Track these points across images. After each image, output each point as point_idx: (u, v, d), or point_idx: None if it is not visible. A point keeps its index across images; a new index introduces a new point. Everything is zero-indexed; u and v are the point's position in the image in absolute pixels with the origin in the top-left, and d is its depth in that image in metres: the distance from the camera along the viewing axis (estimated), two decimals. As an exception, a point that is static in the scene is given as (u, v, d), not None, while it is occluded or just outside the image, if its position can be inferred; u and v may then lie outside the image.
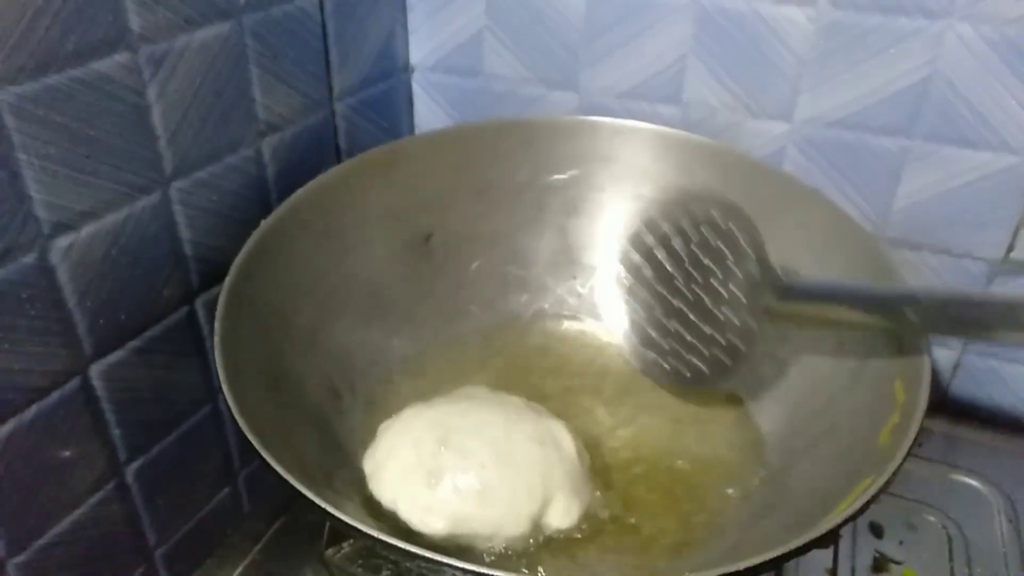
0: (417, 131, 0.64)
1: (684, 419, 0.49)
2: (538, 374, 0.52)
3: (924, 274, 0.54)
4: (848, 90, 0.51)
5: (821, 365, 0.46)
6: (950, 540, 0.49)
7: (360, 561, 0.45)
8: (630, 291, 0.50)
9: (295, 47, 0.49)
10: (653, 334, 0.49)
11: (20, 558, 0.39)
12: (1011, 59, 0.47)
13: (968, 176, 0.50)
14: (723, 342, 0.45)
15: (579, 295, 0.57)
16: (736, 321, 0.45)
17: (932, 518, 0.50)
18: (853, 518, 0.32)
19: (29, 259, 0.36)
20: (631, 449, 0.47)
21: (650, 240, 0.48)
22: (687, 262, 0.46)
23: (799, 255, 0.47)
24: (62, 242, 0.37)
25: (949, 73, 0.48)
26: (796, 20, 0.50)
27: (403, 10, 0.59)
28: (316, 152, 0.54)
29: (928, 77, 0.49)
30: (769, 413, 0.48)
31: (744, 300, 0.44)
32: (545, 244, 0.57)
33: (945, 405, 0.58)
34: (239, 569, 0.45)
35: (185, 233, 0.44)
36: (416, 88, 0.62)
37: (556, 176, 0.56)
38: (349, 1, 0.53)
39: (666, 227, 0.47)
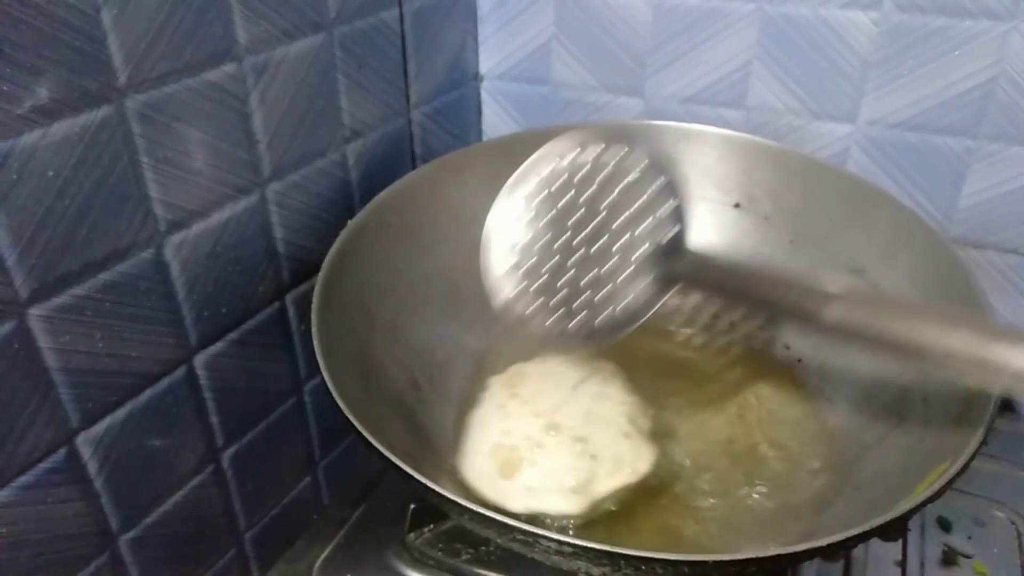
0: (485, 138, 0.66)
1: (749, 414, 0.50)
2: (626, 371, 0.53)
3: (989, 273, 0.54)
4: (912, 91, 0.52)
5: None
6: (1019, 535, 0.49)
7: (440, 545, 0.47)
8: (519, 237, 0.44)
9: (377, 57, 0.52)
10: (538, 282, 0.44)
11: (130, 534, 0.42)
12: (1077, 59, 0.47)
13: (1034, 175, 0.51)
14: (619, 298, 0.42)
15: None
16: (636, 277, 0.41)
17: (1000, 514, 0.50)
18: (928, 503, 0.32)
19: (147, 254, 0.39)
20: (701, 440, 0.48)
21: (557, 180, 0.43)
22: (592, 200, 0.42)
23: (865, 255, 0.49)
24: (176, 239, 0.40)
25: (1014, 74, 0.49)
26: (861, 23, 0.51)
27: (474, 22, 0.62)
28: (394, 157, 0.57)
29: (993, 78, 0.49)
30: (838, 406, 0.48)
31: (648, 256, 0.41)
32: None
33: (1012, 403, 0.58)
34: (326, 552, 0.47)
35: (279, 232, 0.47)
36: (485, 96, 0.65)
37: (623, 177, 0.57)
38: (426, 14, 0.56)
39: (575, 157, 0.42)
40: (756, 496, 0.45)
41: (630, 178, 0.41)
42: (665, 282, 0.42)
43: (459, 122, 0.63)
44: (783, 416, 0.50)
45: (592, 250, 0.43)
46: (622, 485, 0.43)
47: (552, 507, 0.42)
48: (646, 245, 0.42)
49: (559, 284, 0.43)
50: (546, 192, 0.43)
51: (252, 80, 0.42)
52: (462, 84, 0.63)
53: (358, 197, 0.53)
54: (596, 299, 0.43)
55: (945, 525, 0.50)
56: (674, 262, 0.41)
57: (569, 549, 0.31)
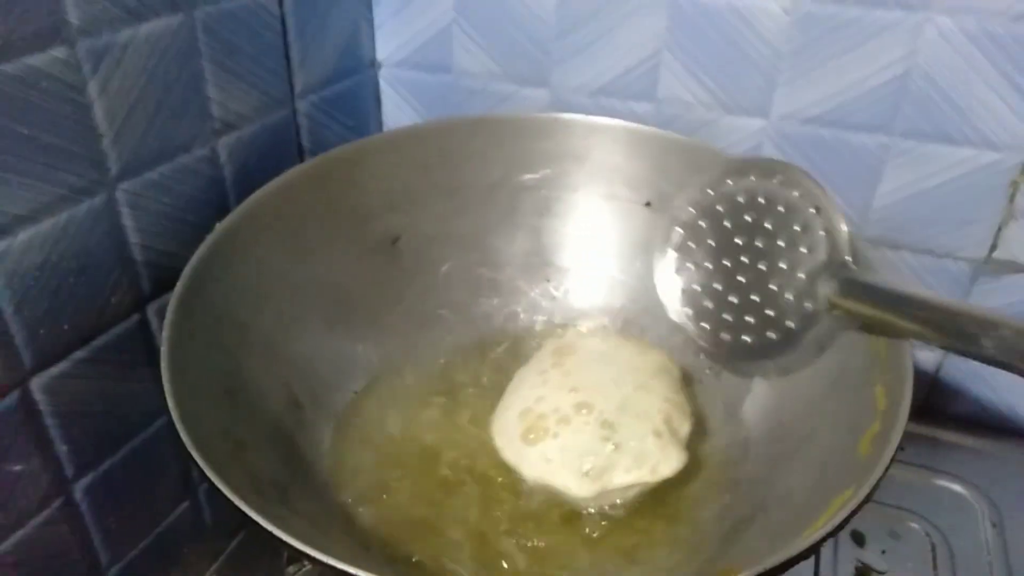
0: (385, 129, 0.62)
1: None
2: (508, 379, 0.50)
3: (904, 275, 0.52)
4: (825, 85, 0.49)
5: (801, 369, 0.44)
6: (934, 548, 0.47)
7: (322, 579, 0.43)
8: (685, 253, 0.46)
9: (252, 43, 0.47)
10: (709, 304, 0.45)
11: (-43, 583, 0.37)
12: (992, 53, 0.45)
13: (949, 173, 0.49)
14: (779, 322, 0.42)
15: (553, 298, 0.55)
16: (793, 302, 0.41)
17: (915, 525, 0.49)
18: (833, 534, 0.30)
19: (-42, 266, 0.34)
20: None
21: (714, 202, 0.45)
22: (749, 230, 0.43)
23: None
24: (-4, 248, 0.35)
25: (928, 68, 0.47)
26: (772, 12, 0.48)
27: (368, 5, 0.57)
28: (277, 152, 0.52)
29: (907, 72, 0.47)
30: (749, 419, 0.46)
31: (804, 281, 0.41)
32: (518, 246, 0.55)
33: (928, 408, 0.57)
34: (196, 589, 0.43)
35: (134, 237, 0.42)
36: (383, 85, 0.61)
37: (528, 175, 0.54)
38: (310, -6, 0.51)
39: (730, 190, 0.44)
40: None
41: (785, 205, 0.42)
42: (824, 308, 0.40)
43: (355, 113, 0.59)
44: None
45: (752, 274, 0.43)
46: (637, 482, 0.41)
47: (561, 484, 0.41)
48: (802, 271, 0.41)
49: (723, 296, 0.44)
50: (710, 213, 0.45)
51: (89, 66, 0.37)
52: (357, 72, 0.58)
53: (233, 196, 0.48)
54: (756, 320, 0.43)
55: (858, 539, 0.48)
56: (833, 287, 0.40)
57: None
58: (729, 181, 0.44)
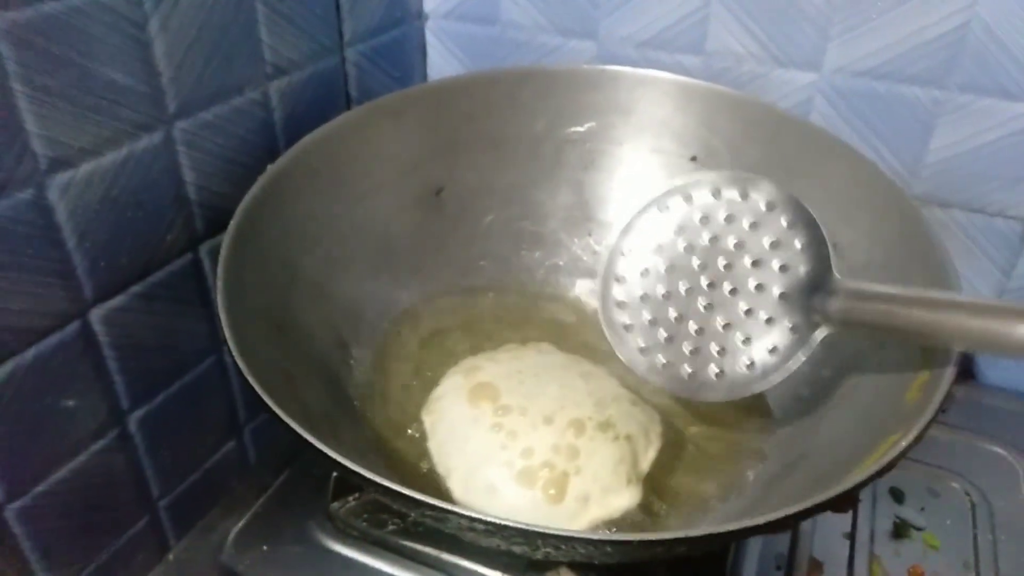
0: (429, 79, 0.62)
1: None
2: (551, 332, 0.50)
3: (954, 233, 0.52)
4: (880, 37, 0.48)
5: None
6: (973, 507, 0.47)
7: (365, 515, 0.44)
8: (633, 279, 0.42)
9: (304, -13, 0.47)
10: (664, 334, 0.41)
11: (18, 504, 0.38)
12: (1055, 5, 0.44)
13: (1005, 129, 0.48)
14: (754, 348, 0.39)
15: (595, 252, 0.55)
16: (773, 323, 0.38)
17: (955, 484, 0.48)
18: (878, 476, 0.30)
19: (25, 195, 0.35)
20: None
21: (663, 220, 0.41)
22: (709, 251, 0.40)
23: (824, 212, 0.45)
24: (60, 179, 0.36)
25: (988, 19, 0.46)
26: (827, -39, 0.48)
27: (417, -46, 0.57)
28: (326, 98, 0.52)
29: (966, 23, 0.46)
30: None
31: (780, 301, 0.38)
32: (561, 199, 0.55)
33: (970, 370, 0.56)
34: (243, 521, 0.44)
35: (189, 176, 0.43)
36: (429, 36, 0.61)
37: (573, 128, 0.54)
38: (360, -59, 0.51)
39: (685, 210, 0.41)
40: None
41: (751, 220, 0.39)
42: (809, 327, 0.37)
43: (401, 63, 0.59)
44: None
45: (717, 296, 0.40)
46: (656, 455, 0.41)
47: (616, 508, 0.38)
48: (779, 289, 0.38)
49: (683, 328, 0.41)
50: (665, 232, 0.41)
51: (151, 3, 0.38)
52: (404, 22, 0.58)
53: (283, 140, 0.49)
54: (725, 347, 0.40)
55: (898, 496, 0.48)
56: (819, 302, 0.37)
57: (481, 527, 0.28)
58: (681, 200, 0.41)
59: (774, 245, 0.38)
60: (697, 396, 0.41)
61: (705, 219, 0.40)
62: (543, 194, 0.55)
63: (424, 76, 0.62)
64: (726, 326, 0.39)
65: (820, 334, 0.37)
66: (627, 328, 0.42)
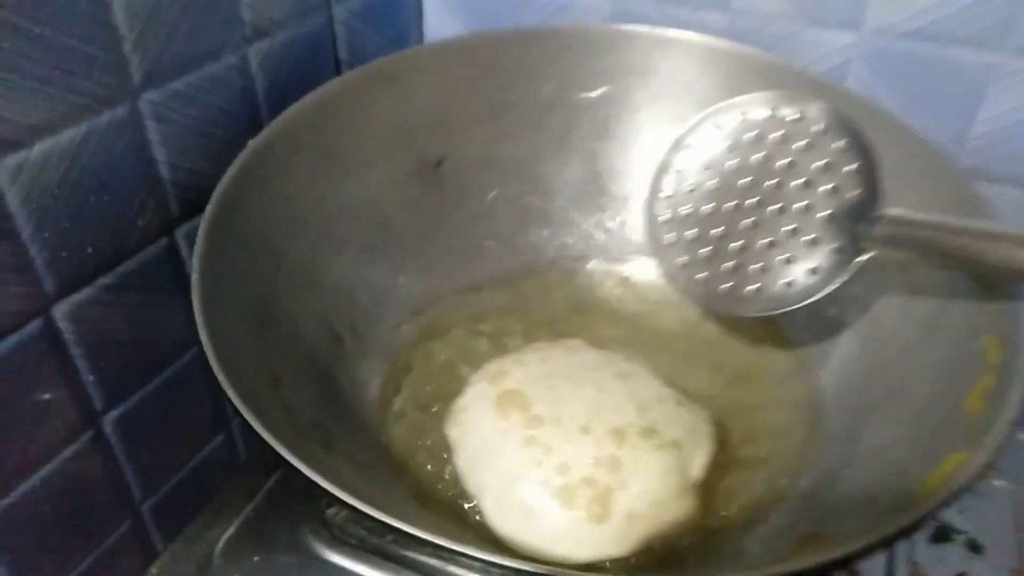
0: (427, 40, 0.57)
1: (729, 371, 0.43)
2: (562, 321, 0.47)
3: (1002, 211, 0.47)
4: (929, -7, 0.43)
5: (887, 312, 0.40)
6: (1016, 506, 0.44)
7: (364, 522, 0.40)
8: (680, 196, 0.42)
9: (286, -64, 0.42)
10: (706, 250, 0.42)
11: (-17, 517, 0.35)
12: None
13: (1063, 97, 0.43)
14: (796, 268, 0.39)
15: (607, 230, 0.51)
16: (813, 246, 0.38)
17: (997, 483, 0.45)
18: (948, 502, 0.27)
19: (-31, 181, 0.30)
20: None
21: (717, 137, 0.41)
22: (762, 166, 0.40)
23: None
24: (10, 161, 0.32)
25: (1052, -27, 0.41)
26: (872, -93, 0.42)
27: (412, -101, 0.52)
28: (312, 63, 0.48)
29: (1028, -23, 0.41)
30: (826, 367, 0.42)
31: (828, 223, 0.38)
32: (571, 172, 0.50)
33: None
34: (232, 528, 0.41)
35: (160, 153, 0.38)
36: (427, -8, 0.55)
37: (585, 94, 0.49)
38: None
39: (739, 126, 0.40)
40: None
41: (805, 140, 0.39)
42: (853, 251, 0.37)
43: (395, 23, 0.54)
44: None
45: (764, 215, 0.40)
46: (708, 460, 0.37)
47: (668, 522, 0.34)
48: (827, 211, 0.38)
49: (726, 245, 0.41)
50: (717, 150, 0.41)
51: (108, -44, 0.33)
52: (399, -24, 0.53)
53: (265, 111, 0.44)
54: (766, 265, 0.40)
55: (948, 503, 0.44)
56: (866, 227, 0.36)
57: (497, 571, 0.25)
58: (739, 116, 0.41)
59: (826, 167, 0.38)
60: (732, 311, 0.41)
61: (760, 138, 0.40)
62: (551, 167, 0.51)
63: (421, 37, 0.57)
64: (770, 245, 0.40)
65: (863, 258, 0.37)
66: (671, 243, 0.43)
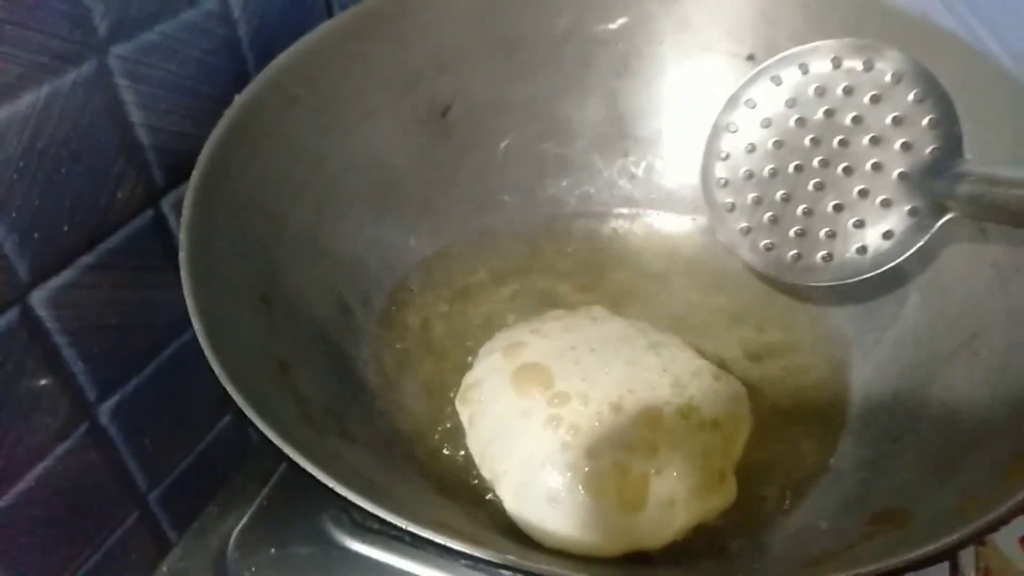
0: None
1: (766, 335, 0.40)
2: (588, 277, 0.43)
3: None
4: None
5: (949, 256, 0.36)
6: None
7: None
8: (738, 157, 0.39)
9: None
10: (769, 215, 0.39)
11: (-23, 523, 0.32)
12: None
13: None
14: (868, 232, 0.36)
15: (633, 177, 0.47)
16: (886, 209, 0.35)
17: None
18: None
19: (-83, 159, 0.27)
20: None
21: (776, 92, 0.38)
22: (826, 123, 0.37)
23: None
24: (-39, 134, 0.28)
25: None
26: None
27: None
28: (301, 5, 0.43)
29: None
30: (879, 315, 0.39)
31: (901, 184, 0.34)
32: (590, 113, 0.46)
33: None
34: (245, 518, 0.38)
35: (136, 116, 0.34)
36: (423, -82, 0.50)
37: (602, 26, 0.45)
38: None
39: (800, 80, 0.37)
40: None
41: (873, 92, 0.35)
42: (931, 212, 0.34)
43: (390, -45, 0.49)
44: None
45: (830, 175, 0.37)
46: (748, 437, 0.34)
47: (709, 509, 0.32)
48: (900, 169, 0.35)
49: (791, 209, 0.38)
50: (777, 105, 0.38)
51: None
52: (390, -99, 0.48)
53: (252, 61, 0.40)
54: (835, 230, 0.37)
55: None
56: (945, 185, 0.33)
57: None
58: (798, 69, 0.37)
59: (897, 121, 0.35)
60: (801, 280, 0.39)
61: (821, 91, 0.37)
62: (568, 108, 0.47)
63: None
64: (837, 207, 0.37)
65: (944, 219, 0.34)
66: (729, 208, 0.40)
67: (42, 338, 0.33)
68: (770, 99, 0.38)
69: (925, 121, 0.34)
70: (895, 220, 0.35)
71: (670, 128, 0.46)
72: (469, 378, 0.36)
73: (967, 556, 0.37)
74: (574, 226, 0.46)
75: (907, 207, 0.35)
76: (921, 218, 0.34)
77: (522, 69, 0.45)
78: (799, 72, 0.37)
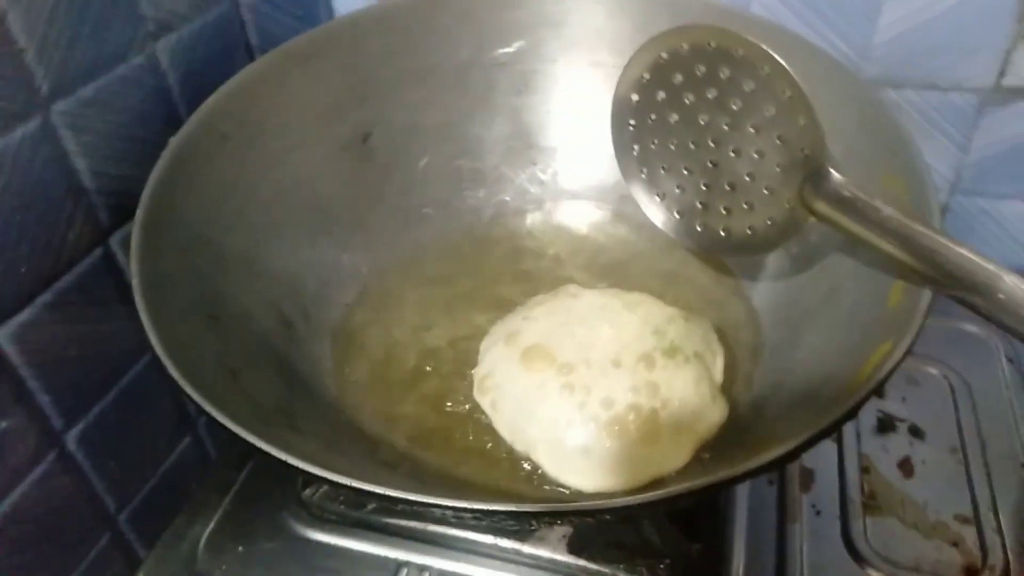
0: (336, 15, 0.56)
1: (674, 301, 0.45)
2: (511, 275, 0.47)
3: (908, 114, 0.50)
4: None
5: (811, 229, 0.42)
6: (953, 390, 0.47)
7: (341, 497, 0.41)
8: (645, 130, 0.41)
9: (175, -75, 0.41)
10: (674, 185, 0.41)
11: (-41, 550, 0.35)
12: None
13: (955, -2, 0.45)
14: (757, 217, 0.38)
15: (542, 182, 0.52)
16: (769, 197, 0.37)
17: (933, 370, 0.48)
18: (876, 390, 0.29)
19: None
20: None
21: (671, 70, 0.39)
22: (714, 108, 0.38)
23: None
24: (-76, 191, 0.31)
25: None
26: None
27: None
28: (224, 51, 0.47)
29: None
30: (760, 285, 0.44)
31: (780, 176, 0.36)
32: (497, 130, 0.51)
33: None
34: (212, 523, 0.41)
35: (80, 163, 0.38)
36: (329, -34, 0.55)
37: (501, 50, 0.49)
38: None
39: (687, 57, 0.38)
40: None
41: (754, 84, 0.36)
42: (801, 212, 0.36)
43: (302, 1, 0.53)
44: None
45: (723, 156, 0.39)
46: (724, 362, 0.40)
47: (711, 426, 0.37)
48: (778, 161, 0.36)
49: (695, 182, 0.40)
50: (670, 81, 0.39)
51: (-8, -33, 0.32)
52: (298, -47, 0.52)
53: (183, 106, 0.43)
54: (729, 207, 0.39)
55: (878, 390, 0.47)
56: (810, 192, 0.35)
57: (469, 515, 0.26)
58: (685, 47, 0.38)
59: (774, 116, 0.36)
60: (710, 249, 0.41)
61: (710, 75, 0.37)
62: (478, 127, 0.51)
63: (330, 10, 0.56)
64: (731, 186, 0.39)
65: (807, 222, 0.36)
66: (644, 177, 0.42)
67: (9, 372, 0.36)
68: (663, 75, 0.39)
69: (799, 121, 0.35)
70: (775, 209, 0.37)
71: (569, 136, 0.51)
72: (480, 371, 0.40)
73: (853, 481, 0.42)
74: (493, 231, 0.51)
75: (785, 199, 0.36)
76: (797, 216, 0.36)
77: (434, 95, 0.49)
78: (685, 48, 0.38)
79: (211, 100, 0.42)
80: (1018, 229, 0.53)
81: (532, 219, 0.51)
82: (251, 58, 0.49)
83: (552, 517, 0.26)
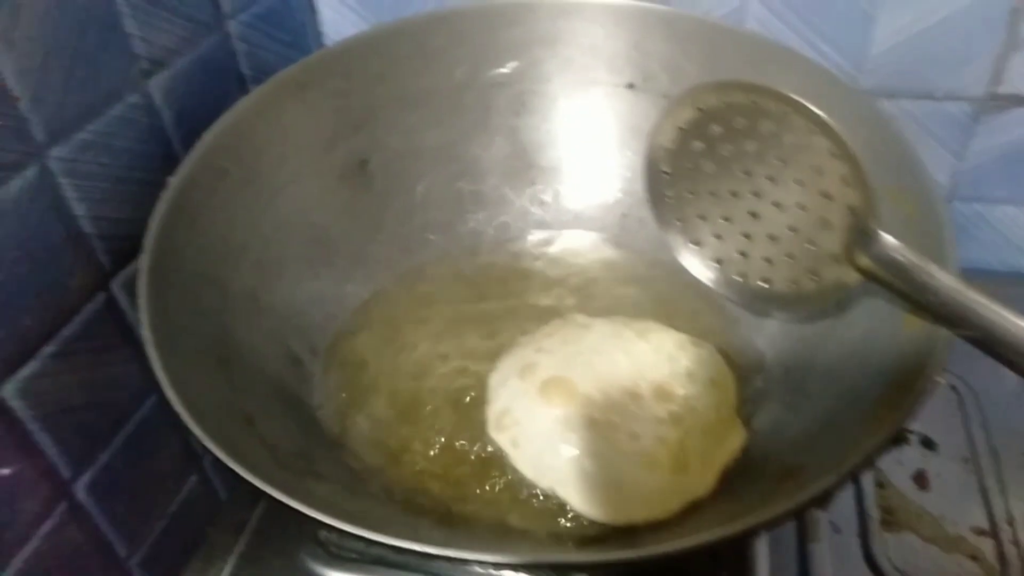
0: (325, 41, 0.56)
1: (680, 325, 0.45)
2: (515, 297, 0.47)
3: (905, 124, 0.50)
4: (812, -75, 0.45)
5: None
6: (961, 401, 0.47)
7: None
8: (681, 177, 0.39)
9: (165, -40, 0.40)
10: (711, 230, 0.39)
11: (-30, 613, 0.34)
12: None
13: (948, 8, 0.46)
14: (801, 271, 0.36)
15: (543, 203, 0.51)
16: (815, 251, 0.35)
17: (940, 380, 0.48)
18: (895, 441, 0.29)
19: None
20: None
21: (711, 128, 0.37)
22: (753, 159, 0.36)
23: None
24: (-76, 250, 0.30)
25: None
26: None
27: None
28: (217, 85, 0.46)
29: (900, -102, 0.43)
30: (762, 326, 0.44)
31: (825, 230, 0.35)
32: (496, 151, 0.51)
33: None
34: (228, 567, 0.41)
35: (79, 209, 0.37)
36: (317, -10, 0.54)
37: (496, 70, 0.49)
38: None
39: (723, 108, 0.36)
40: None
41: (794, 139, 0.35)
42: (849, 266, 0.34)
43: (291, 27, 0.52)
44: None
45: (762, 207, 0.37)
46: (736, 384, 0.40)
47: (733, 450, 0.37)
48: (818, 213, 0.35)
49: (732, 228, 0.38)
50: (708, 133, 0.37)
51: (-15, 17, 0.31)
52: (287, -21, 0.51)
53: (179, 143, 0.43)
54: (770, 257, 0.37)
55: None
56: (854, 249, 0.34)
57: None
58: (720, 99, 0.36)
59: (817, 170, 0.35)
60: (746, 303, 0.40)
61: (750, 128, 0.36)
62: (476, 148, 0.51)
63: (318, 37, 0.55)
64: (772, 237, 0.37)
65: (856, 278, 0.34)
66: (679, 224, 0.40)
67: (17, 427, 0.35)
68: (700, 127, 0.38)
69: (840, 175, 0.34)
70: (820, 263, 0.35)
71: (569, 155, 0.50)
72: (495, 408, 0.38)
73: (870, 497, 0.42)
74: (496, 254, 0.50)
75: (830, 254, 0.35)
76: (841, 270, 0.35)
77: (430, 118, 0.49)
78: (722, 103, 0.36)
79: (208, 136, 0.41)
80: (1013, 232, 0.54)
81: (533, 240, 0.51)
82: (244, 89, 0.48)
83: (606, 567, 0.26)
